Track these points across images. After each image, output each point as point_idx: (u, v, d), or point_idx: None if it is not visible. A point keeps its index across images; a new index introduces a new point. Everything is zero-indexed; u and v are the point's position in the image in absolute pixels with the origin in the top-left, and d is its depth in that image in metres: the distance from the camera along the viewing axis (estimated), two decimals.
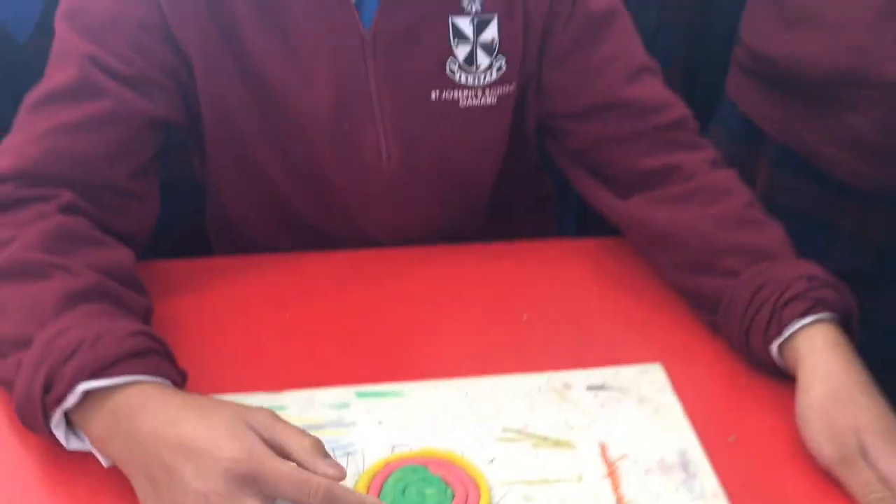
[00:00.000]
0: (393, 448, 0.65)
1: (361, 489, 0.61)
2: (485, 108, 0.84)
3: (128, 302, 0.68)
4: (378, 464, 0.63)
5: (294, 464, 0.56)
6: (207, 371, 0.70)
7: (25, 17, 1.05)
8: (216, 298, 0.80)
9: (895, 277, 1.03)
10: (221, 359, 0.73)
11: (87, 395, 0.59)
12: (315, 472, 0.55)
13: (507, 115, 0.87)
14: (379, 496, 0.60)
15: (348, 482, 0.61)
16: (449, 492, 0.61)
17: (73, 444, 0.61)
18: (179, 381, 0.64)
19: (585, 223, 1.08)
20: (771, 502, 0.62)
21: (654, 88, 0.87)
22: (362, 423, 0.67)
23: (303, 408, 0.68)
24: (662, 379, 0.72)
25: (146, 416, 0.58)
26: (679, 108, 0.88)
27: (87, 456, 0.61)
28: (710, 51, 1.27)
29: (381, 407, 0.68)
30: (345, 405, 0.69)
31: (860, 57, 0.91)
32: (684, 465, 0.64)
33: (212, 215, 0.97)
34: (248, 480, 0.54)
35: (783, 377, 0.72)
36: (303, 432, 0.58)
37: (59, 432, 0.60)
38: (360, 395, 0.70)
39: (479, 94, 0.83)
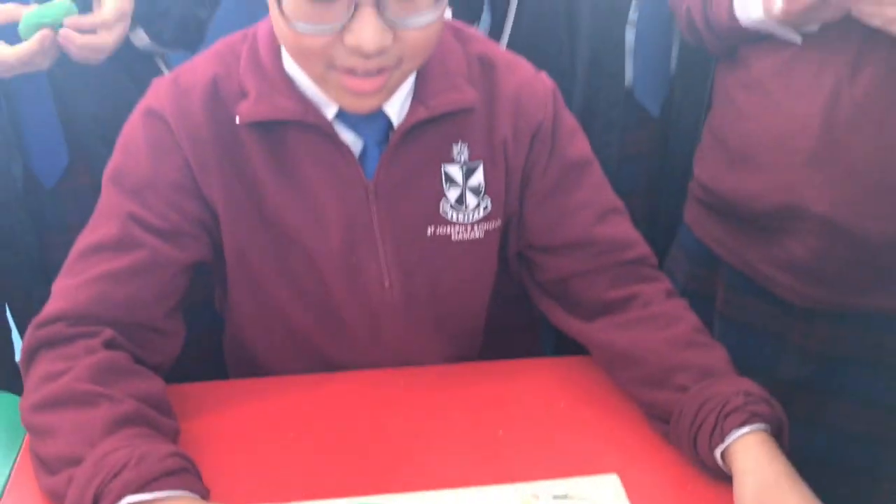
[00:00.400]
0: None
1: None
2: (473, 242, 0.95)
3: (161, 426, 0.80)
4: None
5: None
6: (221, 484, 0.81)
7: (53, 167, 1.19)
8: (229, 419, 0.90)
9: (839, 386, 1.14)
10: (234, 473, 0.83)
11: None
12: None
13: (493, 247, 0.98)
14: None
15: None
16: None
17: None
18: (205, 494, 0.75)
19: (565, 340, 1.19)
20: None
21: (620, 227, 0.98)
22: None
23: None
24: (618, 488, 0.82)
25: None
26: (641, 247, 0.99)
27: None
28: (669, 181, 1.39)
29: None
30: None
31: (793, 195, 1.03)
32: None
33: (229, 341, 1.07)
34: None
35: (727, 480, 0.82)
36: None
37: None
38: None
39: (469, 229, 0.94)
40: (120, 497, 0.70)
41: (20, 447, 0.86)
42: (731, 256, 1.16)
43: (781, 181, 1.04)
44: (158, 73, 1.31)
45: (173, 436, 0.82)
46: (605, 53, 1.29)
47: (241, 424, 0.90)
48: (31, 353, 0.84)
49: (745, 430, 0.81)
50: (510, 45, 1.34)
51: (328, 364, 0.99)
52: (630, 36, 1.29)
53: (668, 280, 1.00)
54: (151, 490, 0.71)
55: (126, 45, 1.14)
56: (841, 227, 1.01)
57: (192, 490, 0.73)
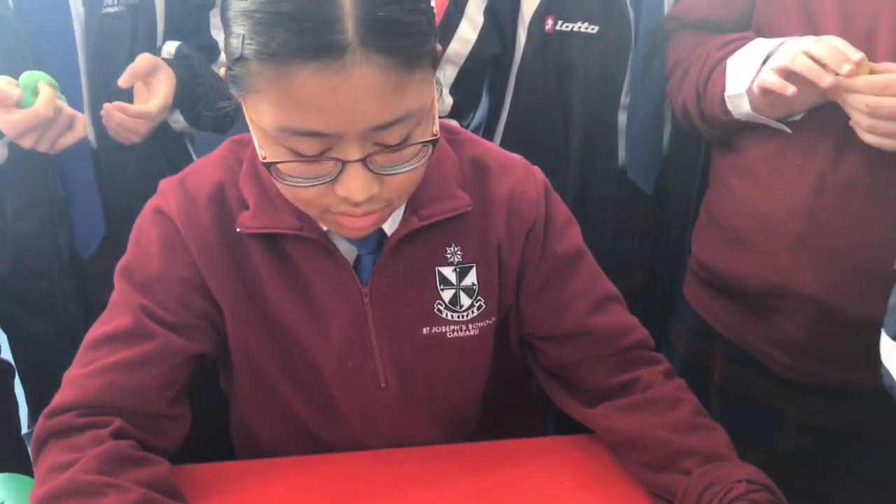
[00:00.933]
0: None
1: None
2: (468, 339, 0.96)
3: None
4: None
5: None
6: None
7: (91, 238, 1.24)
8: (236, 497, 0.92)
9: (837, 461, 1.16)
10: None
11: None
12: None
13: (489, 342, 0.99)
14: None
15: None
16: None
17: None
18: None
19: (567, 419, 1.21)
20: None
21: (616, 316, 0.99)
22: None
23: None
24: None
25: None
26: (639, 331, 1.00)
27: None
28: (665, 255, 1.42)
29: None
30: None
31: (782, 276, 1.06)
32: None
33: (234, 426, 1.09)
34: None
35: None
36: None
37: None
38: None
39: (464, 327, 0.95)
40: None
41: None
42: (729, 331, 1.19)
43: (771, 263, 1.08)
44: (187, 153, 1.38)
45: None
46: (598, 134, 1.34)
47: (250, 501, 0.91)
48: (41, 443, 0.85)
49: None
50: (507, 127, 1.39)
51: (328, 448, 1.01)
52: (622, 118, 1.34)
53: (666, 360, 1.02)
54: None
55: (161, 124, 1.21)
56: (828, 307, 1.05)
57: None
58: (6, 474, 0.97)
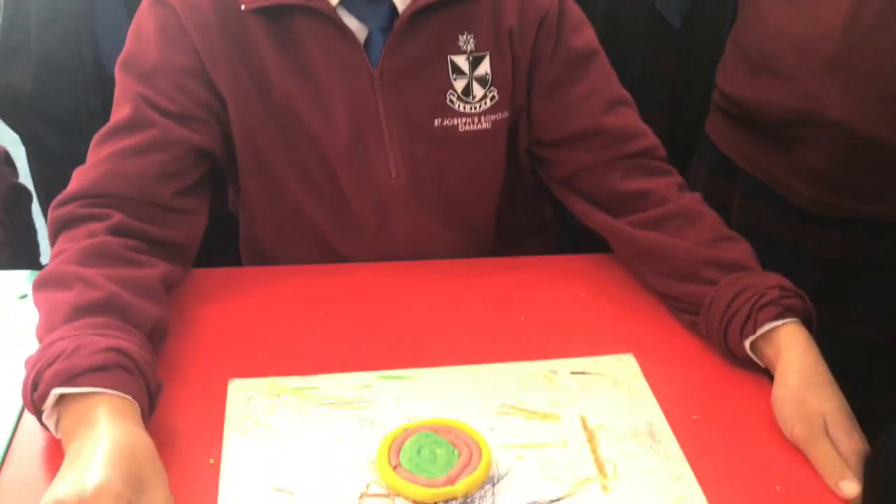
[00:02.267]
0: (408, 419, 0.78)
1: (383, 449, 0.73)
2: (481, 133, 0.96)
3: (134, 315, 0.78)
4: (397, 430, 0.76)
5: None
6: (253, 359, 0.84)
7: (116, 54, 1.21)
8: (258, 301, 0.93)
9: (853, 295, 1.16)
10: (266, 350, 0.86)
11: (62, 397, 0.69)
12: None
13: (501, 139, 0.99)
14: (398, 455, 0.73)
15: (373, 447, 0.74)
16: (456, 452, 0.74)
17: (59, 433, 0.70)
18: (143, 393, 0.72)
19: (580, 248, 1.21)
20: (725, 467, 0.75)
21: (628, 119, 0.99)
22: (383, 400, 0.80)
23: (332, 388, 0.81)
24: (634, 366, 0.85)
25: (89, 422, 0.67)
26: (650, 138, 1.00)
27: None
28: (691, 95, 1.38)
29: (399, 387, 0.81)
30: (368, 386, 0.82)
31: (810, 102, 1.04)
32: (652, 434, 0.77)
33: (244, 243, 1.09)
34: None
35: (747, 368, 0.86)
36: None
37: (50, 423, 0.70)
38: (381, 377, 0.83)
39: (476, 120, 0.95)
40: (49, 387, 0.68)
41: None
42: (750, 165, 1.17)
43: (800, 88, 1.05)
44: None
45: (151, 326, 0.79)
46: None
47: (267, 305, 0.92)
48: (54, 235, 0.86)
49: (780, 322, 0.83)
50: None
51: (341, 258, 1.01)
52: None
53: (678, 174, 1.01)
54: (77, 385, 0.68)
55: None
56: (856, 134, 1.02)
57: (121, 389, 0.69)
58: (30, 270, 0.98)
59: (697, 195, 0.98)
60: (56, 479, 0.63)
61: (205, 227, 0.94)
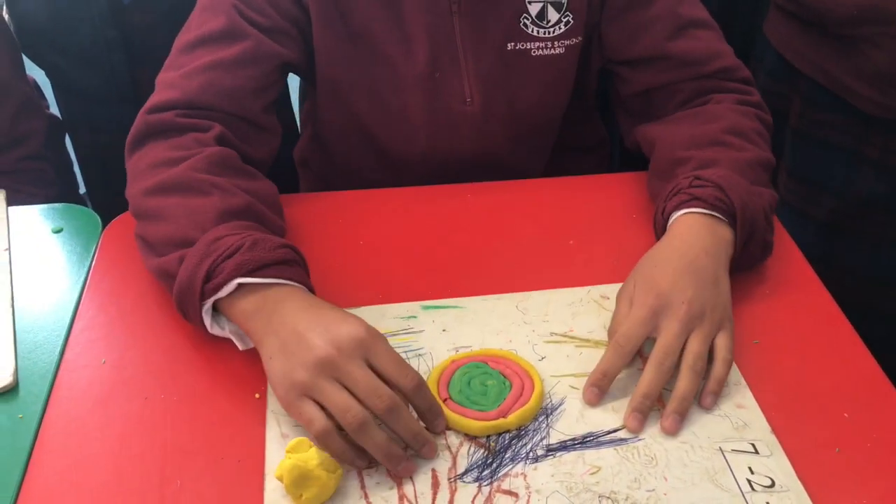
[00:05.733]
0: (457, 350, 0.75)
1: (432, 382, 0.71)
2: (553, 57, 0.94)
3: (270, 223, 0.80)
4: (445, 361, 0.74)
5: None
6: None
7: None
8: (300, 227, 0.90)
9: None
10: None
11: (240, 287, 0.70)
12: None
13: (572, 64, 0.97)
14: (448, 387, 0.71)
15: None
16: (507, 383, 0.71)
17: (215, 329, 0.73)
18: (313, 289, 0.75)
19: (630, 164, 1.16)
20: (787, 392, 0.72)
21: (701, 42, 0.94)
22: (429, 331, 0.77)
23: (376, 319, 0.78)
24: None
25: (289, 302, 0.69)
26: (725, 59, 0.94)
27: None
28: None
29: (445, 317, 0.79)
30: (413, 317, 0.79)
31: None
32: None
33: (305, 159, 1.11)
34: (361, 352, 0.65)
35: (801, 290, 0.82)
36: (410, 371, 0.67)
37: (207, 317, 0.72)
38: (426, 307, 0.80)
39: (549, 45, 0.94)
40: (231, 277, 0.70)
41: (93, 254, 0.88)
42: (811, 68, 1.12)
43: None
44: None
45: (281, 235, 0.81)
46: None
47: (310, 233, 0.90)
48: (141, 140, 0.84)
49: (681, 212, 0.80)
50: None
51: (401, 165, 1.01)
52: None
53: (758, 94, 0.95)
54: (264, 275, 0.70)
55: None
56: None
57: (301, 282, 0.73)
58: (64, 204, 0.96)
59: (746, 109, 0.92)
60: (306, 342, 0.65)
61: (277, 148, 0.94)
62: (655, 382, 0.69)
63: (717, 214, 0.78)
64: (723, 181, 0.79)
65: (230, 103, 0.86)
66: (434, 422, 0.67)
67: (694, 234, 0.78)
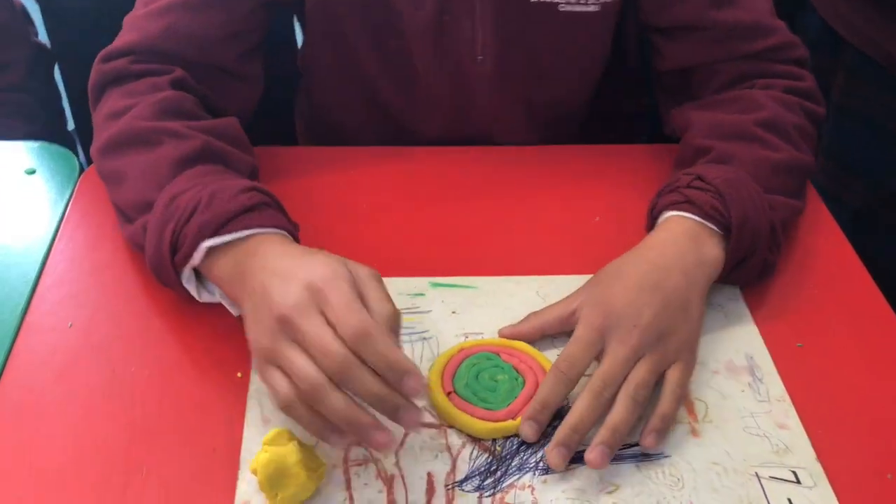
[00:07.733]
0: (466, 336, 0.67)
1: (436, 372, 0.63)
2: (586, 15, 0.83)
3: (235, 161, 0.72)
4: (453, 349, 0.66)
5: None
6: None
7: None
8: (302, 185, 0.82)
9: None
10: (304, 242, 0.75)
11: (211, 250, 0.63)
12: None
13: (609, 25, 0.86)
14: (453, 379, 0.63)
15: (423, 365, 0.64)
16: (520, 379, 0.63)
17: (204, 296, 0.66)
18: (293, 230, 0.67)
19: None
20: (835, 408, 0.64)
21: (747, 12, 0.82)
22: (437, 312, 0.69)
23: None
24: (733, 286, 0.73)
25: (259, 256, 0.61)
26: (777, 36, 0.83)
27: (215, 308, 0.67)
28: None
29: (456, 298, 0.71)
30: (420, 294, 0.71)
31: None
32: (751, 369, 0.66)
33: (304, 111, 1.00)
34: (315, 303, 0.54)
35: (849, 290, 0.74)
36: (390, 301, 0.57)
37: (191, 287, 0.65)
38: (434, 285, 0.72)
39: (581, 0, 0.82)
40: (196, 243, 0.62)
41: (67, 201, 0.80)
42: (859, 38, 1.03)
43: None
44: None
45: (250, 171, 0.73)
46: None
47: (309, 192, 0.81)
48: (98, 91, 0.77)
49: (672, 213, 0.71)
50: None
51: (408, 137, 0.91)
52: None
53: (812, 79, 0.84)
54: (228, 231, 0.62)
55: None
56: None
57: (275, 226, 0.64)
58: (40, 143, 0.88)
59: (790, 98, 0.80)
60: (267, 300, 0.56)
61: (258, 99, 0.85)
62: (588, 413, 0.59)
63: (710, 225, 0.69)
64: (726, 187, 0.70)
65: (194, 50, 0.77)
66: (399, 382, 0.53)
67: (674, 247, 0.68)
